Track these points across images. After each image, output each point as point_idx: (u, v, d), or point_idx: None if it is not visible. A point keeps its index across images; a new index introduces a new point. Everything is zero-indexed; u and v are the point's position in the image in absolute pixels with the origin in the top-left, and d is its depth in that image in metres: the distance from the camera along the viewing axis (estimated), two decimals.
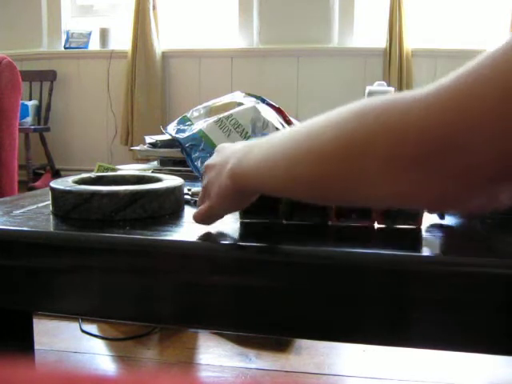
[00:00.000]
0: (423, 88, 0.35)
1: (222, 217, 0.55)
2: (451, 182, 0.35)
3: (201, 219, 0.55)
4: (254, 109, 0.95)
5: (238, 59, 3.36)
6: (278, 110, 1.03)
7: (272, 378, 1.25)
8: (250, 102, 1.01)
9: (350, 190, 0.40)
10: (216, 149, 0.56)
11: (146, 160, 1.18)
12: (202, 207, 0.54)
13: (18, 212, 0.62)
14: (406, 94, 0.36)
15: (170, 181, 0.65)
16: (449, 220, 0.61)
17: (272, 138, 0.47)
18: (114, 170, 0.86)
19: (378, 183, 0.37)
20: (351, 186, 0.39)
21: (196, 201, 0.65)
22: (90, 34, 3.54)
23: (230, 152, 0.51)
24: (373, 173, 0.37)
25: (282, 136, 0.45)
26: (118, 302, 0.54)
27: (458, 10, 3.17)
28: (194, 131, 0.91)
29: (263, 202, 0.58)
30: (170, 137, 0.98)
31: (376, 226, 0.57)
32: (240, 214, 0.59)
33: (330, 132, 0.39)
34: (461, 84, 0.33)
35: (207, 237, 0.53)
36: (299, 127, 0.43)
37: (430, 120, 0.34)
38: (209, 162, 0.55)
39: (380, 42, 3.18)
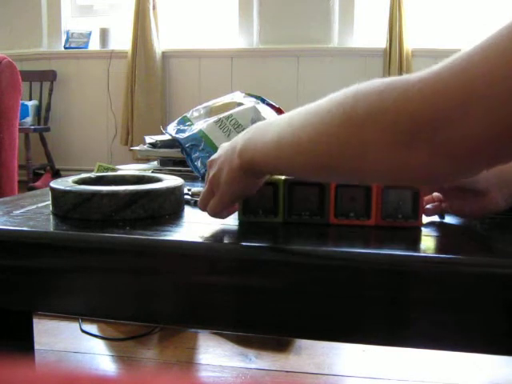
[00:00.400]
0: (426, 69, 0.36)
1: (233, 207, 0.56)
2: (449, 159, 0.36)
3: (214, 211, 0.55)
4: (254, 109, 0.95)
5: (238, 59, 3.36)
6: (278, 110, 1.03)
7: (272, 378, 1.25)
8: (249, 102, 1.01)
9: (353, 167, 0.41)
10: (219, 147, 0.56)
11: (146, 160, 1.18)
12: (213, 200, 0.54)
13: (18, 212, 0.62)
14: (408, 75, 0.37)
15: (170, 181, 0.65)
16: (449, 220, 0.61)
17: (276, 120, 0.48)
18: (113, 170, 0.86)
19: (377, 158, 0.38)
20: (353, 164, 0.41)
21: (196, 201, 0.65)
22: (89, 34, 3.54)
23: (236, 139, 0.52)
24: (372, 147, 0.38)
25: (287, 117, 0.47)
26: (118, 301, 0.54)
27: (458, 10, 3.17)
28: (194, 131, 0.91)
29: (263, 201, 0.58)
30: (169, 137, 0.98)
31: (376, 224, 0.57)
32: (240, 214, 0.59)
33: (327, 108, 0.41)
34: (467, 63, 0.34)
35: (207, 237, 0.53)
36: (304, 108, 0.45)
37: (432, 97, 0.35)
38: (213, 157, 0.55)
39: (380, 42, 3.18)
